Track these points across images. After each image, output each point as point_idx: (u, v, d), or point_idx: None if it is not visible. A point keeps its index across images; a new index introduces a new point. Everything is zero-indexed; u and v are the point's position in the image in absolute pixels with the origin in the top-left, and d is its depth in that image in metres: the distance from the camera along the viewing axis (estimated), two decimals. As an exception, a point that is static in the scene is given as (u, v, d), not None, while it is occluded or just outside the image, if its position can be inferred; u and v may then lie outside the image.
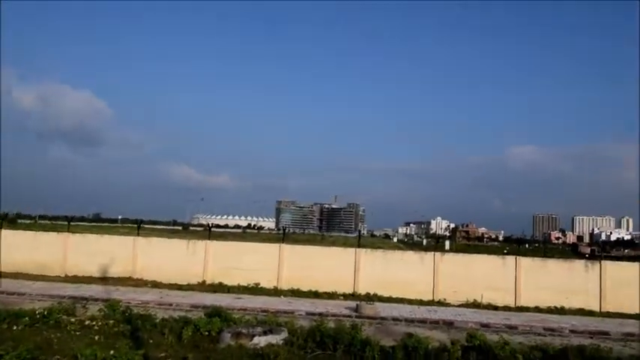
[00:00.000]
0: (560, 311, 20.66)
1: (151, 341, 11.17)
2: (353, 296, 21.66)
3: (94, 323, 12.46)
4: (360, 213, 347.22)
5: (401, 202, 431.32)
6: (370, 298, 20.88)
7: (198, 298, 19.55)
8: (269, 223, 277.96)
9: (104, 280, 23.03)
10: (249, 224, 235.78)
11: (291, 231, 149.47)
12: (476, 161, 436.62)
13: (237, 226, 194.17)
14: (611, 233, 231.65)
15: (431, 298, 21.97)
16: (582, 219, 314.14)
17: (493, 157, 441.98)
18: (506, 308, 20.96)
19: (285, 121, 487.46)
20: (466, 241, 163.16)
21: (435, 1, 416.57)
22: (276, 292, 22.15)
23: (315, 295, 21.78)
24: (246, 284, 22.53)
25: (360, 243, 26.31)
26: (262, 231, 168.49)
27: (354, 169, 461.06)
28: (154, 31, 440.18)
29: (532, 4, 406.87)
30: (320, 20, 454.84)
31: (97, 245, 25.25)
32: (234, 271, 23.02)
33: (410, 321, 17.40)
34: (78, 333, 11.73)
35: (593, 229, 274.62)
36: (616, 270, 22.46)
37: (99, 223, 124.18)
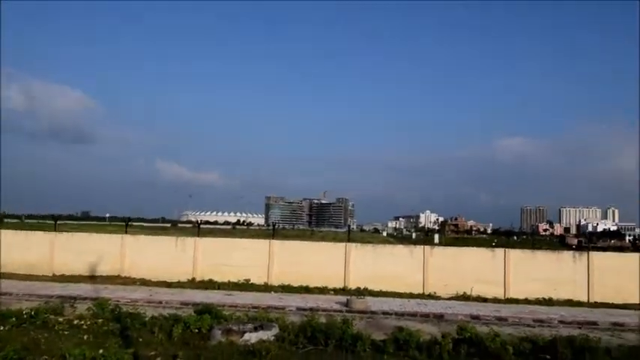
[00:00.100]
0: (549, 302, 20.83)
1: (141, 340, 11.08)
2: (343, 291, 21.68)
3: (82, 322, 12.32)
4: (350, 208, 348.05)
5: (390, 197, 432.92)
6: (361, 292, 20.90)
7: (188, 296, 19.43)
8: (258, 219, 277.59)
9: (92, 278, 22.84)
10: (239, 220, 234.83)
11: (281, 227, 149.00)
12: (463, 155, 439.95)
13: (226, 223, 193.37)
14: (597, 224, 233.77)
15: (421, 291, 22.04)
16: (569, 210, 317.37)
17: (480, 150, 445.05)
18: (496, 300, 21.08)
19: (276, 119, 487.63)
20: (455, 235, 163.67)
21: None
22: (266, 288, 22.10)
23: (305, 290, 21.76)
24: (236, 280, 22.45)
25: (349, 238, 26.35)
26: (252, 227, 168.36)
27: (342, 164, 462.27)
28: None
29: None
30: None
31: (84, 244, 25.00)
32: (224, 268, 22.93)
33: (400, 314, 17.44)
34: (66, 332, 11.60)
35: (579, 221, 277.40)
36: (603, 260, 22.67)
37: (87, 221, 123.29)
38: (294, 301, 19.18)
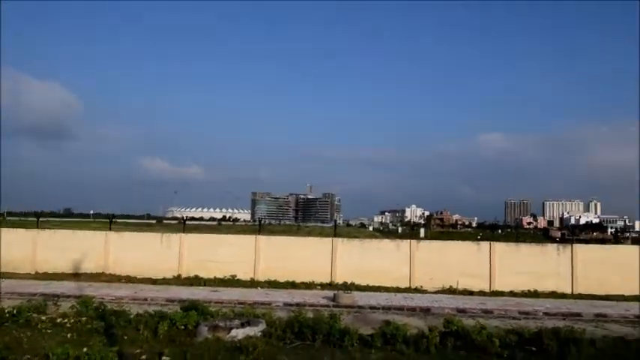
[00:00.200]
0: (534, 295, 21.03)
1: (126, 337, 10.93)
2: (330, 286, 21.66)
3: (65, 321, 12.12)
4: (336, 203, 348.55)
5: (376, 192, 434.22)
6: (347, 287, 20.91)
7: (174, 292, 19.29)
8: (244, 215, 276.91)
9: (76, 276, 22.55)
10: (225, 216, 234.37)
11: (267, 222, 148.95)
12: (448, 150, 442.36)
13: (212, 219, 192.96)
14: (580, 217, 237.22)
15: (407, 285, 22.12)
16: (552, 204, 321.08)
17: (465, 145, 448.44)
18: (482, 293, 21.23)
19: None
20: (440, 229, 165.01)
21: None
22: (252, 283, 22.02)
23: (292, 285, 21.71)
24: (222, 277, 22.33)
25: (336, 232, 26.30)
26: (238, 223, 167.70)
27: (327, 159, 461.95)
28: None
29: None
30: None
31: (68, 241, 24.64)
32: (209, 264, 22.78)
33: (387, 308, 17.48)
34: (49, 331, 11.41)
35: (563, 214, 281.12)
36: (586, 253, 22.93)
37: (70, 218, 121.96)
38: (280, 296, 19.12)
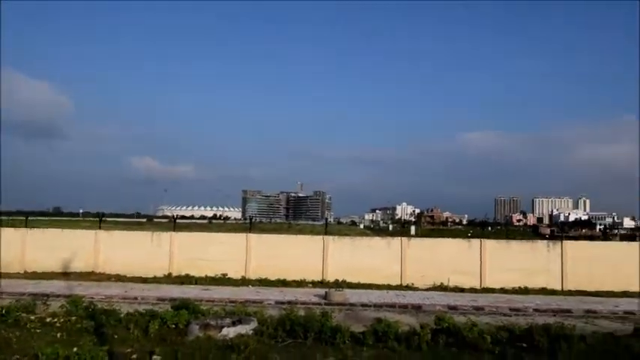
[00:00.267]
0: (524, 291, 21.15)
1: (116, 337, 10.85)
2: (321, 284, 21.66)
3: (55, 320, 12.03)
4: (327, 201, 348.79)
5: (367, 190, 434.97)
6: (339, 284, 20.91)
7: (165, 291, 19.19)
8: (235, 213, 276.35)
9: (66, 275, 22.37)
10: (215, 215, 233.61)
11: (258, 220, 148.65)
12: (439, 147, 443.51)
13: (202, 217, 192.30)
14: (569, 214, 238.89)
15: (399, 282, 22.15)
16: (542, 201, 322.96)
17: (455, 143, 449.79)
18: (473, 290, 21.32)
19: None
20: (431, 226, 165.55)
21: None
22: (243, 282, 21.96)
23: (283, 283, 21.68)
24: (213, 275, 22.25)
25: (327, 230, 26.31)
26: (228, 221, 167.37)
27: (318, 157, 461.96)
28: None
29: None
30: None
31: (57, 240, 24.41)
32: (200, 263, 22.70)
33: (379, 306, 17.51)
34: (38, 331, 11.31)
35: (552, 211, 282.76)
36: (576, 250, 23.07)
37: (59, 217, 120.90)
38: (272, 294, 19.08)
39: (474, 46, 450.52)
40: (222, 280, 21.96)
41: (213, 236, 26.30)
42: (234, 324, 11.22)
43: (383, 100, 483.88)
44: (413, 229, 77.69)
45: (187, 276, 22.25)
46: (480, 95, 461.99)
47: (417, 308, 17.36)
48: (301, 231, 58.08)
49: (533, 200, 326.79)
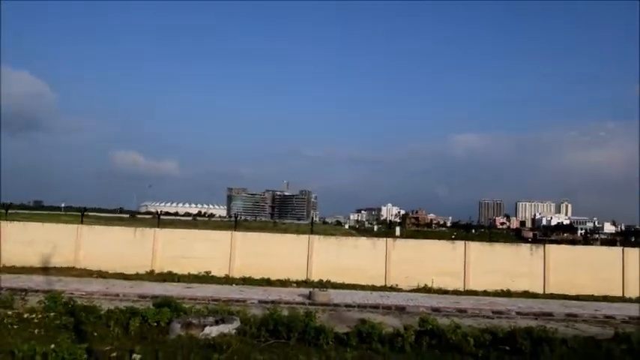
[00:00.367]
0: (507, 294, 21.29)
1: (96, 334, 10.66)
2: (306, 283, 21.59)
3: (33, 316, 11.77)
4: (312, 200, 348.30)
5: (352, 190, 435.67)
6: (323, 284, 20.86)
7: (147, 288, 18.97)
8: (220, 211, 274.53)
9: (45, 270, 22.01)
10: (200, 212, 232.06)
11: (243, 218, 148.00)
12: (424, 149, 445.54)
13: (187, 214, 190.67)
14: (551, 218, 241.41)
15: (383, 283, 22.17)
16: (525, 205, 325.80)
17: (440, 145, 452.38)
18: (456, 292, 21.41)
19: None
20: (416, 227, 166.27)
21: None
22: (227, 280, 21.81)
23: (267, 282, 21.58)
24: (196, 273, 22.07)
25: (312, 230, 26.23)
26: (213, 218, 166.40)
27: (305, 157, 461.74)
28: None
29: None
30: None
31: (37, 234, 24.02)
32: (184, 260, 22.50)
33: (363, 307, 17.48)
34: (16, 327, 11.05)
35: (535, 215, 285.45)
36: (558, 253, 23.32)
37: (40, 211, 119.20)
38: (255, 293, 18.97)
39: (463, 48, 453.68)
40: (206, 278, 21.78)
41: (198, 233, 26.10)
42: (216, 323, 11.08)
43: (370, 102, 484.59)
44: (398, 230, 77.93)
45: (170, 273, 22.03)
46: (467, 97, 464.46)
47: (401, 309, 17.36)
48: (286, 230, 57.90)
49: (516, 204, 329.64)
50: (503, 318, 16.41)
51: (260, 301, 17.38)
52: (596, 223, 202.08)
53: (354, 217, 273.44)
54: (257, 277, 21.98)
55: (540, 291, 22.03)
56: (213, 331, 10.72)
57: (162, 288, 19.02)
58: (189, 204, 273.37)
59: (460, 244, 23.66)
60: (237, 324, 11.27)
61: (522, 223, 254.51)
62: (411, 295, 20.47)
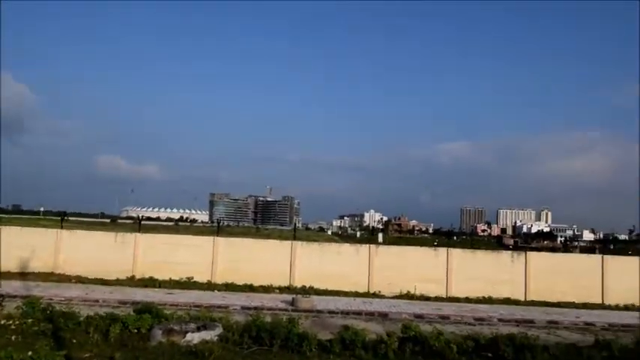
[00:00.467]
0: (489, 301, 21.44)
1: (75, 341, 10.46)
2: (289, 289, 21.49)
3: (10, 322, 11.53)
4: (295, 206, 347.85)
5: (335, 196, 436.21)
6: (306, 291, 20.77)
7: (127, 294, 18.73)
8: (202, 216, 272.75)
9: (23, 275, 21.61)
10: (182, 217, 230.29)
11: (225, 224, 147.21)
12: (407, 156, 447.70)
13: (169, 219, 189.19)
14: (531, 226, 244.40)
15: (366, 290, 22.17)
16: (506, 212, 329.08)
17: (423, 152, 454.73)
18: (439, 299, 21.49)
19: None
20: (398, 234, 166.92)
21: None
22: (209, 286, 21.61)
23: (250, 288, 21.44)
24: (178, 278, 21.85)
25: (295, 235, 26.16)
26: (195, 224, 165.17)
27: (288, 162, 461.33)
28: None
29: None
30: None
31: (15, 238, 23.52)
32: (165, 265, 22.25)
33: (346, 313, 17.45)
34: (-8, 334, 10.82)
35: (515, 222, 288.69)
36: (539, 261, 23.57)
37: (19, 215, 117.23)
38: (238, 299, 18.83)
39: (446, 56, 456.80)
40: (188, 284, 21.57)
41: (180, 239, 25.88)
42: (198, 329, 10.97)
43: (352, 108, 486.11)
44: (380, 236, 78.25)
45: (151, 279, 21.76)
46: (450, 105, 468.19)
47: (384, 316, 17.36)
48: (269, 236, 57.66)
49: (497, 211, 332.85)
50: (485, 325, 16.49)
51: (242, 308, 17.24)
52: (575, 231, 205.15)
53: (336, 223, 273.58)
54: (239, 283, 21.82)
55: (521, 298, 22.22)
56: (195, 337, 10.60)
57: (144, 294, 18.79)
58: (172, 209, 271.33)
59: (442, 251, 23.78)
60: (219, 330, 11.16)
61: (503, 231, 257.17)
62: (394, 301, 20.49)
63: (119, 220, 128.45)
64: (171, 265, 22.20)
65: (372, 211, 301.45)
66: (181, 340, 10.52)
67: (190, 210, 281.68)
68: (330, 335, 11.54)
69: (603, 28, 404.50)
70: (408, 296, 21.51)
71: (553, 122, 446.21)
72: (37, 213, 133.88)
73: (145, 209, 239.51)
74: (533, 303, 21.64)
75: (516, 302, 21.64)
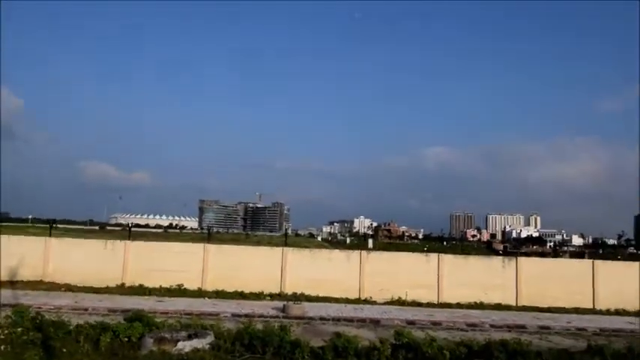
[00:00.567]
0: (480, 306, 21.46)
1: (65, 350, 10.32)
2: (280, 296, 21.38)
3: (-2, 332, 11.36)
4: (285, 212, 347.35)
5: (325, 202, 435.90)
6: (297, 297, 20.67)
7: (117, 302, 18.54)
8: (192, 223, 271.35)
9: (12, 284, 21.31)
10: (172, 224, 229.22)
11: (215, 230, 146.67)
12: (396, 162, 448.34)
13: (158, 226, 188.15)
14: (521, 231, 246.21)
15: (357, 296, 22.12)
16: (495, 217, 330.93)
17: (412, 158, 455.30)
18: (430, 305, 21.47)
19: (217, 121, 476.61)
20: (388, 240, 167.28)
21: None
22: (200, 293, 21.45)
23: (241, 296, 21.30)
24: (168, 286, 21.67)
25: (286, 242, 26.09)
26: (185, 231, 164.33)
27: (277, 169, 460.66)
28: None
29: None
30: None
31: (3, 246, 23.17)
32: (155, 273, 22.06)
33: (337, 320, 17.38)
34: (-20, 344, 10.65)
35: (505, 227, 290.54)
36: (530, 266, 23.65)
37: (6, 222, 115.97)
38: (229, 307, 18.70)
39: (433, 61, 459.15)
40: (178, 292, 21.40)
41: (170, 246, 25.67)
42: (190, 338, 10.87)
43: (342, 115, 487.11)
44: (370, 242, 78.40)
45: (141, 287, 21.58)
46: (438, 110, 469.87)
47: (376, 323, 17.32)
48: (259, 242, 57.58)
49: (486, 216, 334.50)
50: (477, 330, 16.50)
51: (234, 315, 17.12)
52: (564, 236, 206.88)
53: (326, 229, 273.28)
54: (230, 290, 21.69)
55: (513, 303, 22.29)
56: (186, 346, 10.50)
57: (134, 302, 18.61)
58: (161, 216, 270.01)
59: (434, 256, 23.80)
60: (210, 339, 11.06)
61: (493, 236, 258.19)
62: (385, 307, 20.46)
63: (108, 227, 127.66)
64: (161, 273, 22.02)
65: (362, 217, 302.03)
66: (173, 348, 10.42)
67: (180, 217, 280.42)
68: (322, 342, 11.47)
69: (592, 34, 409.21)
70: (400, 302, 21.49)
71: (542, 128, 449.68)
72: (26, 221, 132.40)
73: (133, 216, 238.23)
74: (524, 308, 21.71)
75: (508, 308, 21.69)
